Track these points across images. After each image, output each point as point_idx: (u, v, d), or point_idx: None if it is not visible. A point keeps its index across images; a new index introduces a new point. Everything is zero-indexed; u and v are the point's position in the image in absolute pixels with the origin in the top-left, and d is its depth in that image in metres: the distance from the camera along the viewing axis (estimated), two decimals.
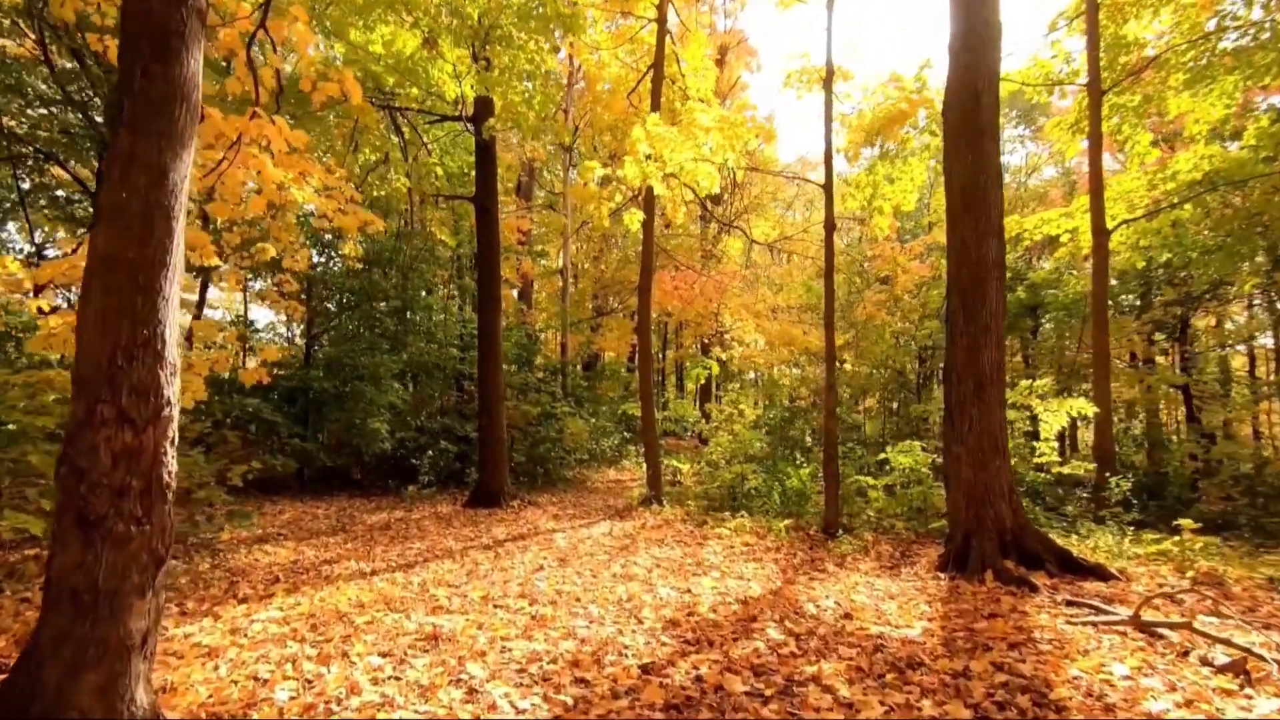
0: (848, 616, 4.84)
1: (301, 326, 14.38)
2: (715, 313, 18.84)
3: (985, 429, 6.47)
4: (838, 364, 17.41)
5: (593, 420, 16.87)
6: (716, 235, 21.25)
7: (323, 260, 13.61)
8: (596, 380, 21.23)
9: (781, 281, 19.50)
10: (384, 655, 3.74)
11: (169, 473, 2.56)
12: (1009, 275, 13.25)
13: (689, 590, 5.58)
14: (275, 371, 13.29)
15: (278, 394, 12.53)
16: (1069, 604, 5.07)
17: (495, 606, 4.94)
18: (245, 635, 4.00)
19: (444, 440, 12.92)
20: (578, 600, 5.16)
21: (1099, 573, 5.91)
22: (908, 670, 3.69)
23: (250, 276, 12.37)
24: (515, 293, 22.75)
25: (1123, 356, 15.85)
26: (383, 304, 14.53)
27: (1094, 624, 4.48)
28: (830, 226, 8.60)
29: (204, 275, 14.91)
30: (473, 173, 11.67)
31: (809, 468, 9.39)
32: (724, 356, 16.86)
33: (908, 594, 5.58)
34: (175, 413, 2.60)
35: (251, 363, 13.55)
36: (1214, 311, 16.42)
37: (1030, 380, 9.45)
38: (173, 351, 2.58)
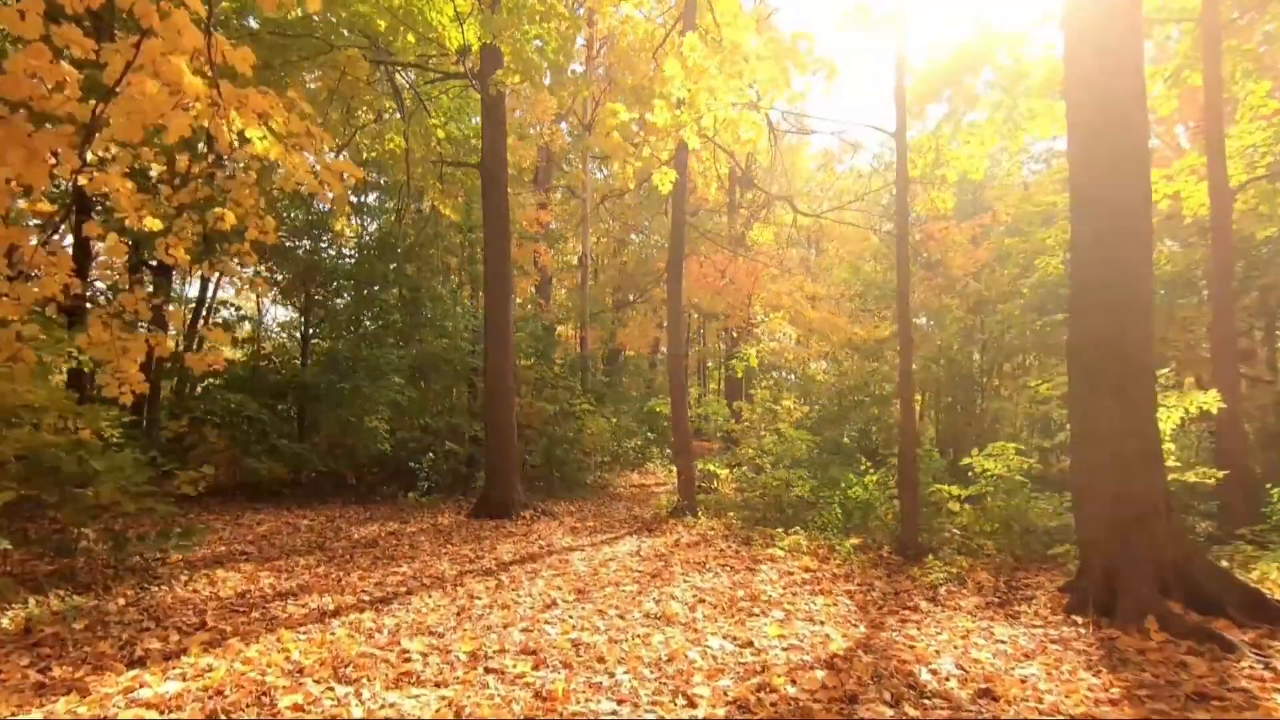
0: (987, 694, 3.37)
1: (299, 316, 13.18)
2: (747, 303, 17.34)
3: (1131, 427, 4.95)
4: (878, 361, 15.86)
5: (614, 420, 15.49)
6: (747, 220, 19.76)
7: (324, 245, 12.41)
8: (618, 376, 19.86)
9: (818, 269, 17.98)
10: None
11: None
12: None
13: (750, 643, 4.15)
14: (268, 364, 12.14)
15: (267, 390, 11.34)
16: None
17: (487, 671, 3.56)
18: None
19: (450, 441, 11.62)
20: (601, 661, 3.75)
21: None
22: None
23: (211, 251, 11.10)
24: (533, 288, 21.48)
25: (1198, 349, 14.06)
26: (390, 292, 13.32)
27: None
28: (904, 182, 7.13)
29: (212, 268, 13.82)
30: (479, 142, 10.32)
31: (874, 474, 7.91)
32: (757, 350, 15.39)
33: (1048, 651, 4.10)
34: None
35: (237, 353, 12.41)
36: None
37: None
38: None
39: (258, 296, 10.81)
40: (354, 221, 13.05)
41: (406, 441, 11.45)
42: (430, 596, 5.12)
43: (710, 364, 31.74)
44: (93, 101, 4.04)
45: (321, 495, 10.67)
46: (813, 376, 17.51)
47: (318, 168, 5.81)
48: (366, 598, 5.00)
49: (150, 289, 11.02)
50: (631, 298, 23.11)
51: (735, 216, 20.88)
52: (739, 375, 14.38)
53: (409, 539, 7.44)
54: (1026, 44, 9.59)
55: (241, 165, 5.92)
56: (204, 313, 14.37)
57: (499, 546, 7.10)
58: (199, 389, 11.67)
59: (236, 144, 4.93)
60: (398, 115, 9.57)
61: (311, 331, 12.72)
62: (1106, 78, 5.10)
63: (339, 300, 12.97)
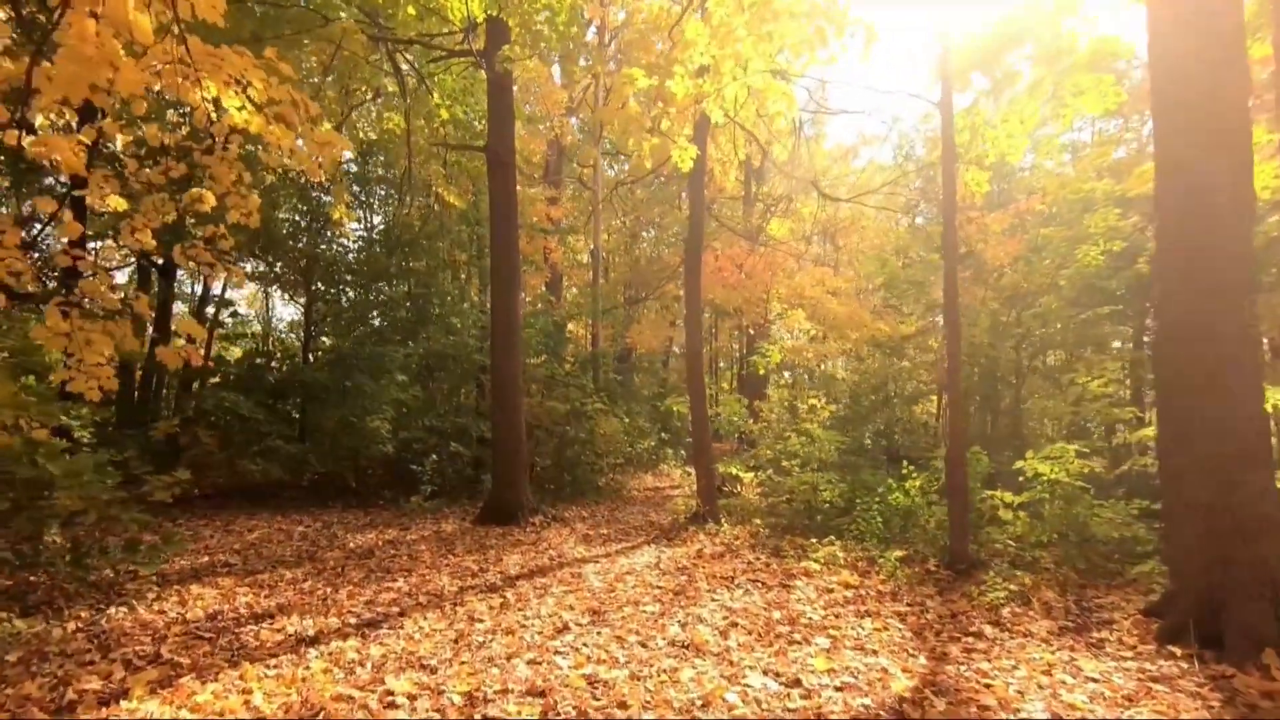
0: None
1: (302, 312, 12.68)
2: (764, 298, 16.65)
3: (1230, 429, 4.26)
4: (901, 360, 15.14)
5: (627, 419, 14.87)
6: (764, 214, 19.06)
7: (326, 237, 11.87)
8: (630, 374, 19.25)
9: (839, 263, 17.30)
10: None
11: None
12: (1124, 247, 10.93)
13: (797, 681, 3.52)
14: (266, 362, 11.65)
15: (266, 389, 10.83)
16: None
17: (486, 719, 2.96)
18: None
19: (456, 442, 11.04)
20: (622, 706, 3.14)
21: None
22: None
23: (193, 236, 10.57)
24: (543, 285, 20.94)
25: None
26: (397, 287, 12.81)
27: None
28: (950, 158, 6.48)
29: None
30: (485, 124, 9.73)
31: (917, 478, 7.23)
32: (773, 347, 14.71)
33: (1154, 693, 3.45)
34: None
35: (235, 350, 11.92)
36: None
37: None
38: None
39: (262, 289, 10.27)
40: (358, 214, 12.53)
41: (410, 442, 10.88)
42: (425, 618, 4.52)
43: (722, 364, 31.06)
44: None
45: (322, 499, 10.14)
46: (833, 375, 16.84)
47: (301, 142, 5.26)
48: (353, 620, 4.41)
49: (131, 281, 10.42)
50: (644, 294, 22.50)
51: (751, 210, 20.21)
52: (761, 372, 13.69)
53: (408, 548, 6.86)
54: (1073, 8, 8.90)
55: (220, 139, 5.38)
56: (209, 310, 13.93)
57: (505, 557, 6.50)
58: (197, 387, 11.22)
59: (213, 114, 4.39)
60: (397, 94, 8.97)
61: (314, 328, 12.21)
62: (1201, 18, 4.43)
63: (343, 297, 12.47)
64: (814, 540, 6.86)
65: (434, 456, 10.16)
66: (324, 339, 12.38)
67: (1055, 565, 6.08)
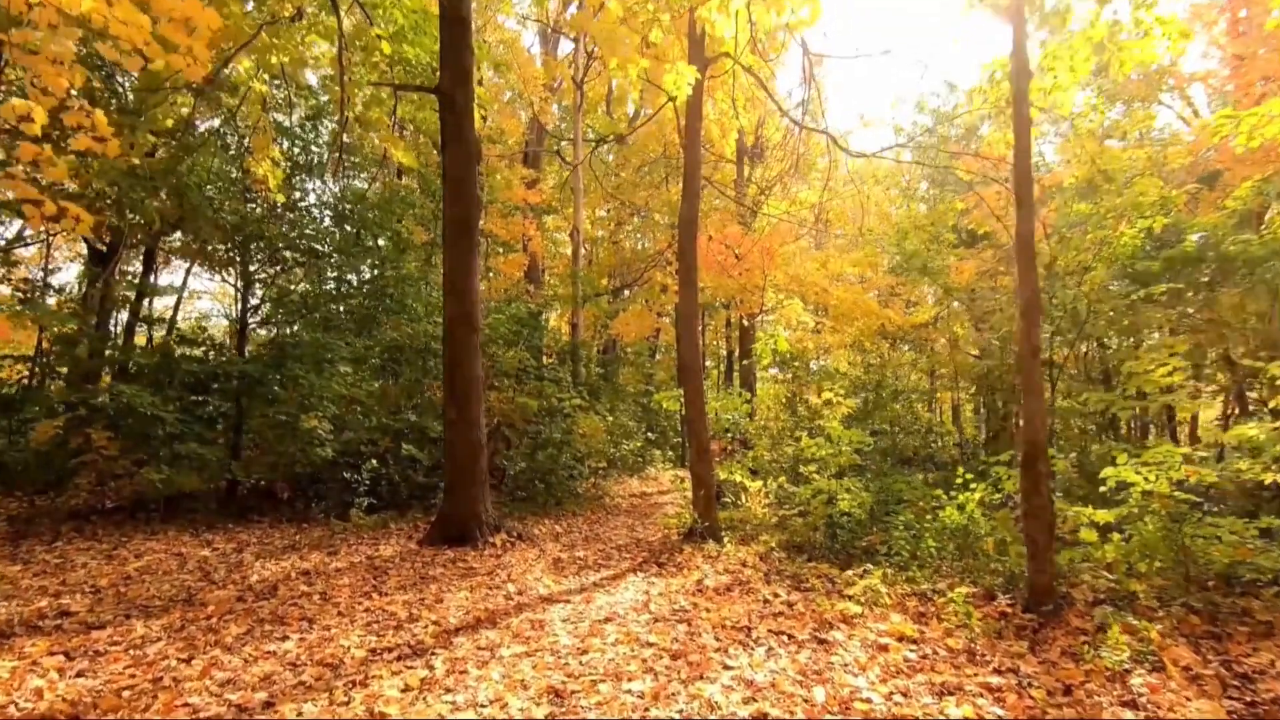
0: None
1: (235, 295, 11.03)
2: (761, 286, 15.24)
3: None
4: (914, 352, 13.81)
5: (610, 418, 13.39)
6: (759, 196, 17.66)
7: (255, 206, 10.24)
8: (614, 368, 17.78)
9: (845, 245, 15.96)
10: None
11: None
12: (1165, 225, 9.68)
13: None
14: (186, 353, 10.01)
15: (184, 382, 9.20)
16: None
17: None
18: None
19: (411, 445, 9.49)
20: None
21: None
22: None
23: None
24: (521, 274, 19.40)
25: None
26: (352, 265, 11.24)
27: None
28: (1022, 72, 5.09)
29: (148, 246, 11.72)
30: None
31: (977, 490, 5.80)
32: (778, 336, 13.33)
33: None
34: None
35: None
36: None
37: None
38: None
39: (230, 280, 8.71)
40: (302, 179, 10.94)
41: (356, 445, 9.30)
42: (300, 714, 3.00)
43: (709, 363, 29.69)
44: None
45: (248, 513, 8.55)
46: (835, 368, 15.47)
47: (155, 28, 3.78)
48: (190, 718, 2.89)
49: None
50: (630, 283, 21.06)
51: (744, 193, 18.80)
52: (765, 364, 12.29)
53: (325, 582, 5.32)
54: None
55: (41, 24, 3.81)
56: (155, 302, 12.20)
57: (448, 596, 4.98)
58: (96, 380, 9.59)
59: None
60: (328, 11, 7.37)
61: (252, 314, 10.58)
62: None
63: (288, 278, 10.86)
64: (846, 571, 5.41)
65: (373, 462, 8.60)
66: (262, 330, 10.80)
67: (1158, 604, 4.71)
